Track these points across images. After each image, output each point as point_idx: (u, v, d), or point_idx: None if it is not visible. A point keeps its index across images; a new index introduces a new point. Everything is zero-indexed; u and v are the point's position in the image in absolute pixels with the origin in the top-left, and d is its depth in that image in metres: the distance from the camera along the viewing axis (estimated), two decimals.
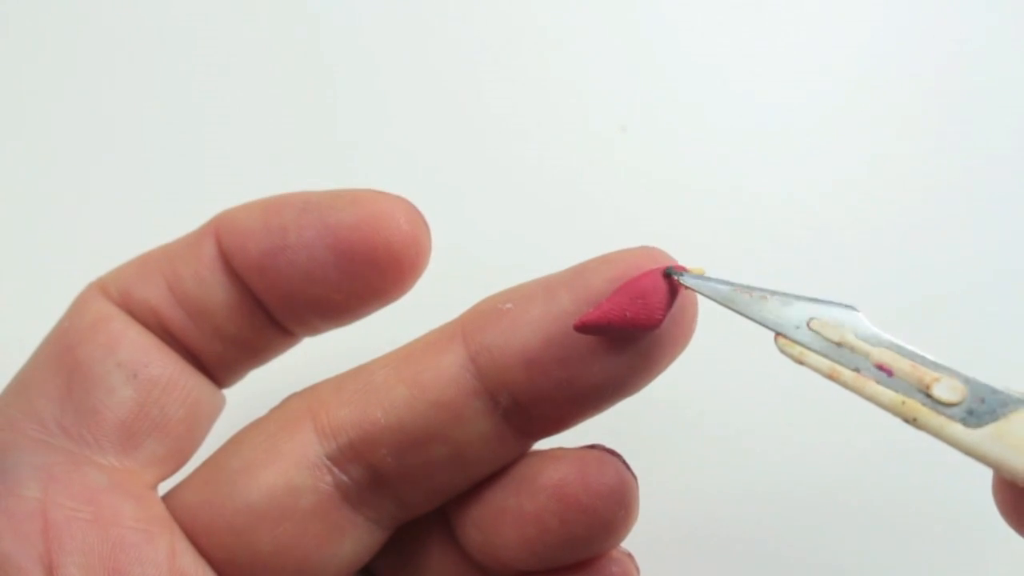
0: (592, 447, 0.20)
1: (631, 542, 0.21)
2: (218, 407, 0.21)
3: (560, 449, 0.20)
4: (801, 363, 0.16)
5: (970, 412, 0.15)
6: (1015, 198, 0.36)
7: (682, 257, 0.35)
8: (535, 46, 0.39)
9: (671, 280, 0.19)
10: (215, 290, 0.19)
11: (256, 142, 0.37)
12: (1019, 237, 0.35)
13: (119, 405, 0.19)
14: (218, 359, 0.20)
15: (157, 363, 0.19)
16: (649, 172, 0.36)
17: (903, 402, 0.16)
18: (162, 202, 0.36)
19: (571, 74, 0.38)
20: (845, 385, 0.16)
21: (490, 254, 0.35)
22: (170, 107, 0.38)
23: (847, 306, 0.16)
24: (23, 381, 0.19)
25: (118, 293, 0.20)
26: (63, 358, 0.19)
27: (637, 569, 0.22)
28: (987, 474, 0.16)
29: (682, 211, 0.36)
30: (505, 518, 0.19)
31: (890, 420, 0.16)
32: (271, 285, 0.19)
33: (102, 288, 0.20)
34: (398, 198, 0.20)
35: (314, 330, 0.21)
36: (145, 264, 0.20)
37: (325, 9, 0.39)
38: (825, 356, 0.16)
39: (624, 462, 0.20)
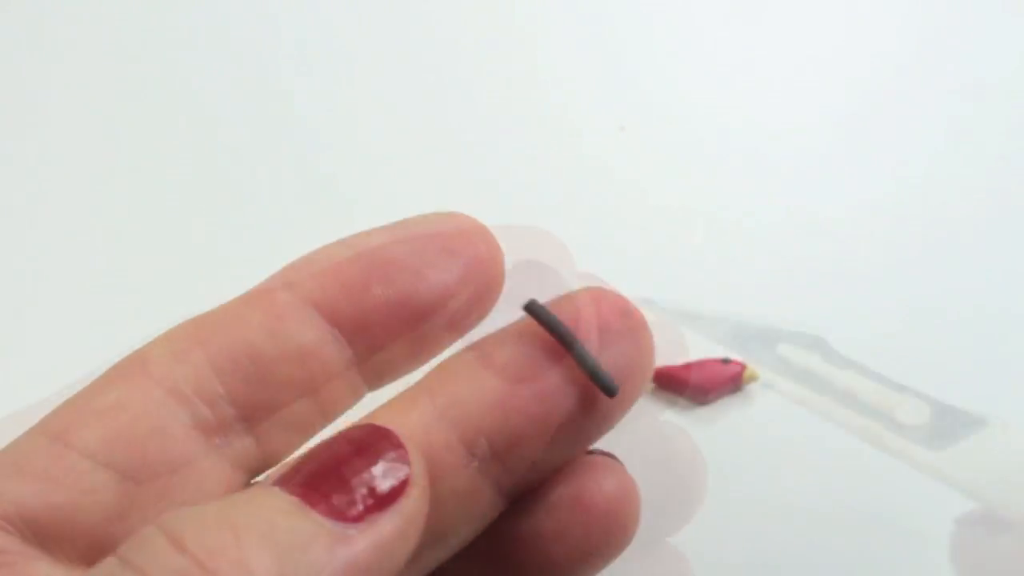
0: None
1: None
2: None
3: None
4: (770, 387, 0.17)
5: (933, 434, 0.15)
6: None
7: (682, 256, 0.35)
8: (535, 47, 0.39)
9: None
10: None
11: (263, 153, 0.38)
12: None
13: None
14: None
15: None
16: (648, 172, 0.37)
17: (867, 427, 0.16)
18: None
19: (571, 74, 0.38)
20: (813, 410, 0.17)
21: None
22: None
23: (814, 336, 0.17)
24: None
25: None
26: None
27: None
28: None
29: (681, 211, 0.36)
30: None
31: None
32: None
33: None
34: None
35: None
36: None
37: (324, 11, 0.40)
38: (794, 382, 0.16)
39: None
